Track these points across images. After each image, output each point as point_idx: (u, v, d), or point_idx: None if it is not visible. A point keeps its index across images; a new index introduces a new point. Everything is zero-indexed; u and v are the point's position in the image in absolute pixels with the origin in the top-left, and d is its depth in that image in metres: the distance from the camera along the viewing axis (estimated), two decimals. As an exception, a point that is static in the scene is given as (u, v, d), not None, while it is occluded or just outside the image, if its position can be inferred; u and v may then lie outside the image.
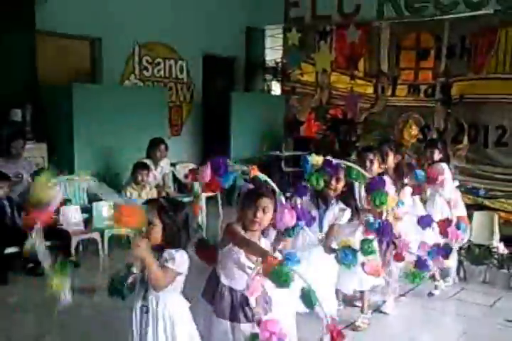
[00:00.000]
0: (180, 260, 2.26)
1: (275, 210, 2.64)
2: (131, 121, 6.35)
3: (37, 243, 2.19)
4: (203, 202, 3.11)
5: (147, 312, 2.29)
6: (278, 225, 2.64)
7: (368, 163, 3.78)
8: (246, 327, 2.52)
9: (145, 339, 2.29)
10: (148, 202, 2.39)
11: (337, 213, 3.21)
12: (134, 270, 2.32)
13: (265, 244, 2.61)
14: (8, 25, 5.76)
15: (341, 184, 3.27)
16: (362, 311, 3.87)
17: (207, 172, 2.62)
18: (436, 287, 4.48)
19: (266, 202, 2.56)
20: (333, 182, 3.24)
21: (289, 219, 2.65)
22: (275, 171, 7.63)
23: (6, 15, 5.72)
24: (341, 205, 3.24)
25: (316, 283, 3.22)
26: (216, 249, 2.64)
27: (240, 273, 2.53)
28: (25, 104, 5.89)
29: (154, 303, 2.29)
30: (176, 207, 2.33)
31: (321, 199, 3.33)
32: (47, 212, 2.20)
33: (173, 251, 2.26)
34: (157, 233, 2.27)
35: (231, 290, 2.57)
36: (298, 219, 2.75)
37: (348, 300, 4.10)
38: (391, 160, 4.08)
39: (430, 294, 4.46)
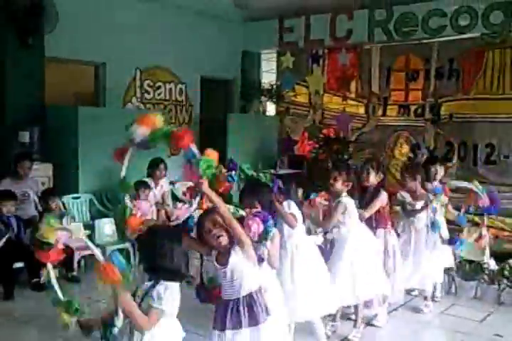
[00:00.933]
0: (169, 297, 2.27)
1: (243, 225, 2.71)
2: (132, 142, 6.54)
3: (51, 277, 2.31)
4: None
5: None
6: (251, 236, 2.70)
7: (331, 181, 3.79)
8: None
9: None
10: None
11: None
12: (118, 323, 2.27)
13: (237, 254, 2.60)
14: (19, 52, 6.04)
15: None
16: (355, 325, 3.96)
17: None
18: (426, 305, 4.56)
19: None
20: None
21: (255, 227, 2.73)
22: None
23: (16, 43, 6.00)
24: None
25: (308, 285, 3.41)
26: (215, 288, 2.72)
27: (227, 282, 2.61)
28: (33, 127, 6.09)
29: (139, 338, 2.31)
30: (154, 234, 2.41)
31: None
32: (54, 252, 2.30)
33: (162, 289, 2.27)
34: None
35: (227, 301, 2.63)
36: (265, 221, 2.78)
37: (343, 314, 4.12)
38: (372, 178, 4.18)
39: (420, 310, 4.55)
